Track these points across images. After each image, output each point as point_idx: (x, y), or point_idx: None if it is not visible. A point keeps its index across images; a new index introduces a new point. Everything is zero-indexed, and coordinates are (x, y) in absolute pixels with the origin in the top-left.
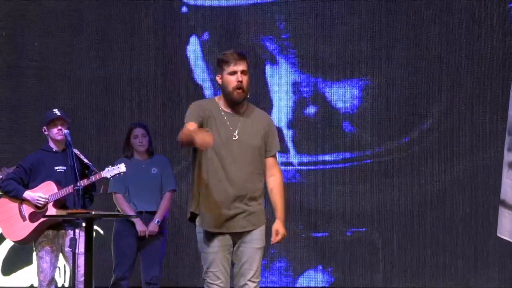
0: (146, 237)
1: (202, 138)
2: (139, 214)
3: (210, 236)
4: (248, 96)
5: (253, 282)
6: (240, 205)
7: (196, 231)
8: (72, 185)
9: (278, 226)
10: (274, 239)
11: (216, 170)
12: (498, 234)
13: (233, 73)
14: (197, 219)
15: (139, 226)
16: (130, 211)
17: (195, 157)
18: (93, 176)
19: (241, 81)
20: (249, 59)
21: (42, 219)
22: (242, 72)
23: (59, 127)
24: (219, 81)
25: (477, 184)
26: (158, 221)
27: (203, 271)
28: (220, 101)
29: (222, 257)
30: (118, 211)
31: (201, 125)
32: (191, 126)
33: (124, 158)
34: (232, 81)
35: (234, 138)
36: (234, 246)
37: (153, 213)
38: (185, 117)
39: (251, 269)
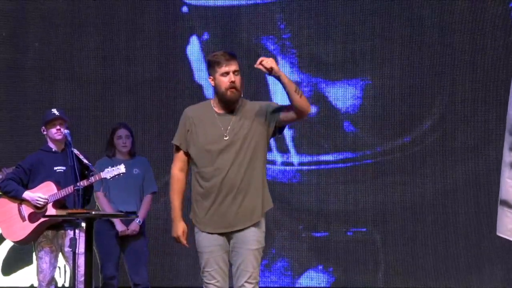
0: (125, 234)
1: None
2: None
3: (205, 236)
4: (241, 95)
5: (250, 283)
6: (235, 202)
7: (194, 230)
8: (72, 185)
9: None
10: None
11: (210, 169)
12: (499, 234)
13: (226, 74)
14: (195, 219)
15: (119, 226)
16: (109, 210)
17: (191, 159)
18: (93, 177)
19: (234, 82)
20: (249, 59)
21: (42, 219)
22: (234, 72)
23: (58, 127)
24: (212, 82)
25: (480, 184)
26: (139, 221)
27: (200, 271)
28: (214, 103)
29: (217, 256)
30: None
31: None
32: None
33: (106, 157)
34: (225, 82)
35: (225, 138)
36: (230, 245)
37: (133, 213)
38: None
39: (247, 271)
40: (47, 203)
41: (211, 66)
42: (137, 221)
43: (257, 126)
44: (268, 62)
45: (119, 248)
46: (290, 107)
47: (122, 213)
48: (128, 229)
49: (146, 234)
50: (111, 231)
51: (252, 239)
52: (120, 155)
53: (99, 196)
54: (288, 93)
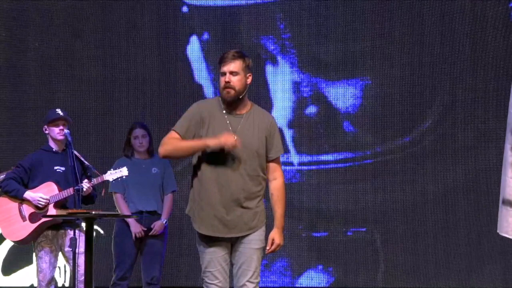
0: (142, 236)
1: (226, 140)
2: (139, 213)
3: (207, 236)
4: (241, 97)
5: (252, 282)
6: (236, 208)
7: (195, 230)
8: (72, 187)
9: (275, 235)
10: (269, 248)
11: (212, 171)
12: (502, 233)
13: (223, 73)
14: (195, 220)
15: (134, 227)
16: (126, 212)
17: (194, 158)
18: (95, 179)
19: (228, 82)
20: (250, 59)
21: (42, 220)
22: (231, 73)
23: (61, 127)
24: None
25: (480, 183)
26: (165, 221)
27: (201, 271)
28: (221, 101)
29: (220, 256)
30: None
31: (191, 134)
32: (175, 135)
33: (124, 157)
34: (221, 81)
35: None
36: (232, 246)
37: (153, 213)
38: (181, 117)
39: (249, 270)
40: (48, 204)
41: (218, 64)
42: (163, 221)
43: (263, 137)
44: (277, 247)
45: (136, 249)
46: (269, 175)
47: (120, 214)
48: (142, 231)
49: (167, 235)
50: (130, 232)
51: (255, 238)
52: (138, 155)
53: (118, 198)
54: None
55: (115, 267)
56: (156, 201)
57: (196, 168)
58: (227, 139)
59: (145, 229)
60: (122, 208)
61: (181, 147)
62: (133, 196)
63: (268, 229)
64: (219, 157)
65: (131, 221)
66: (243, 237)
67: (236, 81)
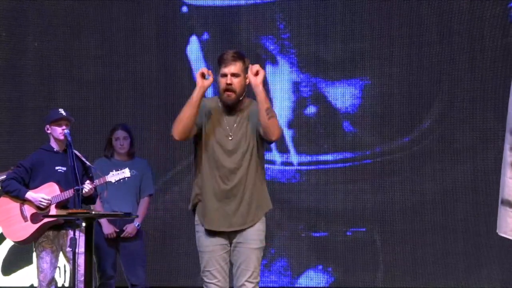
0: (113, 237)
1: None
2: None
3: (206, 235)
4: (241, 98)
5: (251, 282)
6: (236, 201)
7: (195, 229)
8: (73, 188)
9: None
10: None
11: (211, 166)
12: (501, 233)
13: (224, 75)
14: (196, 217)
15: (106, 228)
16: (101, 211)
17: (196, 155)
18: (97, 180)
19: (229, 84)
20: (249, 59)
21: (44, 220)
22: (233, 75)
23: (64, 127)
24: (218, 80)
25: (478, 183)
26: (138, 225)
27: (201, 270)
28: (220, 101)
29: (218, 255)
30: None
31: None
32: None
33: (103, 157)
34: (222, 82)
35: (229, 139)
36: (231, 245)
37: (129, 215)
38: None
39: (248, 270)
40: (50, 204)
41: (218, 64)
42: (136, 225)
43: (254, 127)
44: (257, 67)
45: (114, 248)
46: None
47: (122, 214)
48: (114, 233)
49: (142, 235)
50: (103, 232)
51: (254, 238)
52: (118, 156)
53: None
54: (259, 110)
55: (98, 266)
56: (132, 203)
57: (197, 164)
58: (198, 79)
59: (118, 230)
60: (97, 208)
61: (182, 111)
62: (109, 196)
63: (268, 229)
64: (218, 153)
65: (103, 221)
66: (241, 236)
67: (237, 83)
